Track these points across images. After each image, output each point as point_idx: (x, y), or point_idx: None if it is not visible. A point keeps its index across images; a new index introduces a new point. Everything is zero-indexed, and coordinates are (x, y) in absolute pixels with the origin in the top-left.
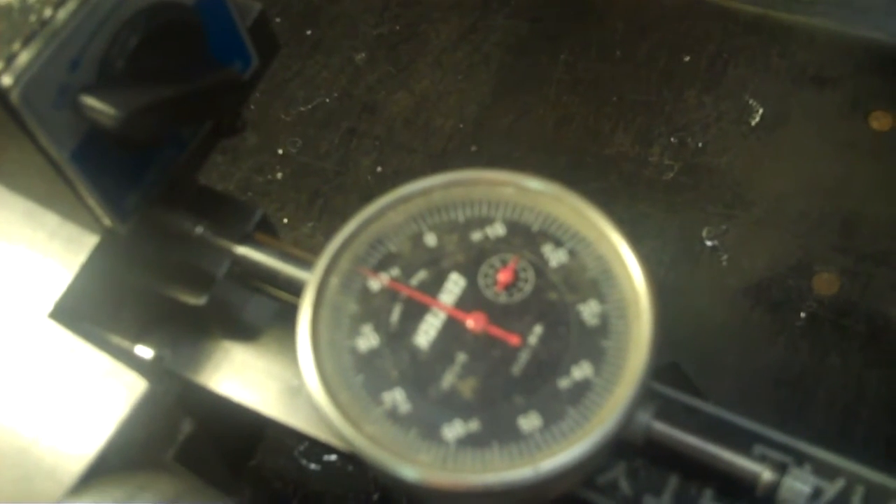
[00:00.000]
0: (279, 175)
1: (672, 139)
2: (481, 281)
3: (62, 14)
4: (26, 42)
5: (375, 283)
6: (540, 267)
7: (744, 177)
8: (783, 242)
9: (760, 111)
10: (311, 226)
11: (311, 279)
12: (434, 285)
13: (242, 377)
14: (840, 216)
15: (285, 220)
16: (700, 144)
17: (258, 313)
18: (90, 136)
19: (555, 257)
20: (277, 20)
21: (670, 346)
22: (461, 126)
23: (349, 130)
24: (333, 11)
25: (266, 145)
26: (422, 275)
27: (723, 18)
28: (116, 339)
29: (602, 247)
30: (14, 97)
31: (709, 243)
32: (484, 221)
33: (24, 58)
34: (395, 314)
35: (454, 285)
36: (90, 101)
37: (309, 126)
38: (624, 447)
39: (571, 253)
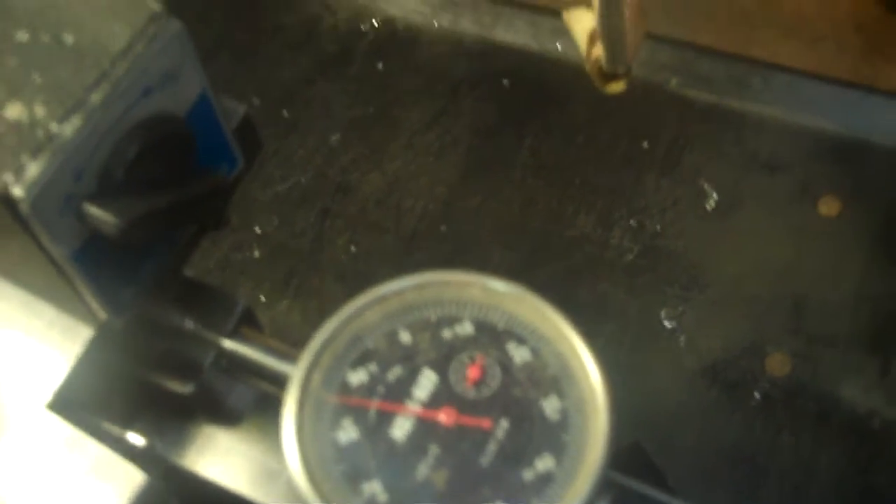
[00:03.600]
0: (256, 253)
1: (631, 222)
2: (452, 376)
3: (68, 129)
4: (35, 155)
5: (354, 379)
6: (505, 364)
7: (700, 259)
8: (737, 324)
9: (715, 196)
10: (287, 304)
11: (294, 374)
12: (408, 380)
13: (225, 461)
14: (791, 298)
15: (262, 298)
16: (658, 227)
17: (240, 400)
18: (90, 239)
19: (518, 354)
20: (255, 101)
21: (631, 425)
22: (431, 207)
23: (323, 210)
24: (309, 94)
25: (244, 224)
26: (397, 370)
27: (679, 106)
28: (107, 426)
29: (561, 345)
30: (24, 207)
31: (667, 324)
32: (453, 320)
33: (33, 170)
34: (373, 410)
35: (427, 381)
36: (93, 210)
37: (285, 205)
38: None
39: (534, 351)
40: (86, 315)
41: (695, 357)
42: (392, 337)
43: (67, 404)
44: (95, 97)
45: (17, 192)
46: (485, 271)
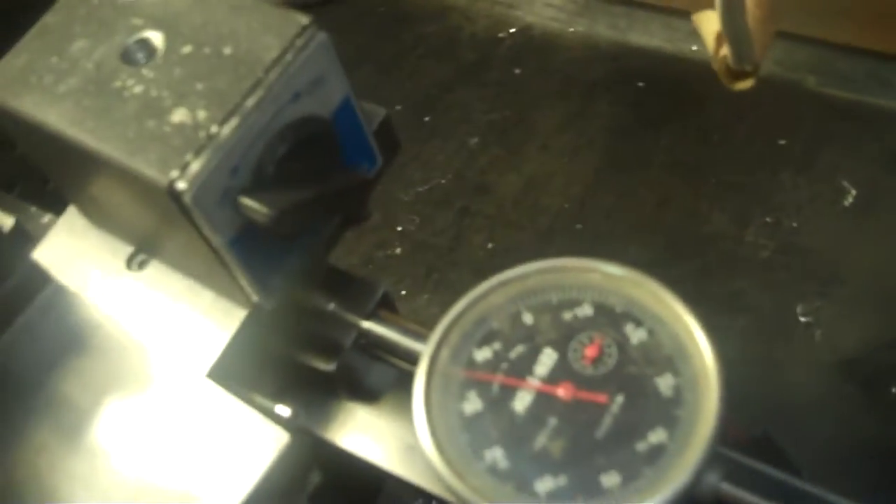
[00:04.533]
0: (398, 250)
1: (767, 219)
2: (571, 355)
3: (226, 130)
4: (197, 153)
5: (479, 356)
6: (622, 344)
7: (837, 256)
8: (875, 319)
9: (853, 192)
10: (427, 298)
11: (425, 351)
12: (530, 358)
13: (365, 435)
14: None
15: (403, 293)
16: (795, 224)
17: (379, 379)
18: (245, 229)
19: (635, 335)
20: (398, 108)
21: (764, 416)
22: (566, 206)
23: (462, 209)
24: (449, 100)
25: (387, 223)
26: (519, 349)
27: (816, 104)
28: (259, 399)
29: (677, 327)
30: (187, 199)
31: (803, 319)
32: (574, 303)
33: (195, 167)
34: (496, 384)
35: (547, 358)
36: (247, 202)
37: (426, 205)
38: None
39: (650, 332)
40: (240, 298)
41: (831, 352)
42: (515, 318)
43: (223, 375)
44: (250, 102)
45: (182, 185)
46: None
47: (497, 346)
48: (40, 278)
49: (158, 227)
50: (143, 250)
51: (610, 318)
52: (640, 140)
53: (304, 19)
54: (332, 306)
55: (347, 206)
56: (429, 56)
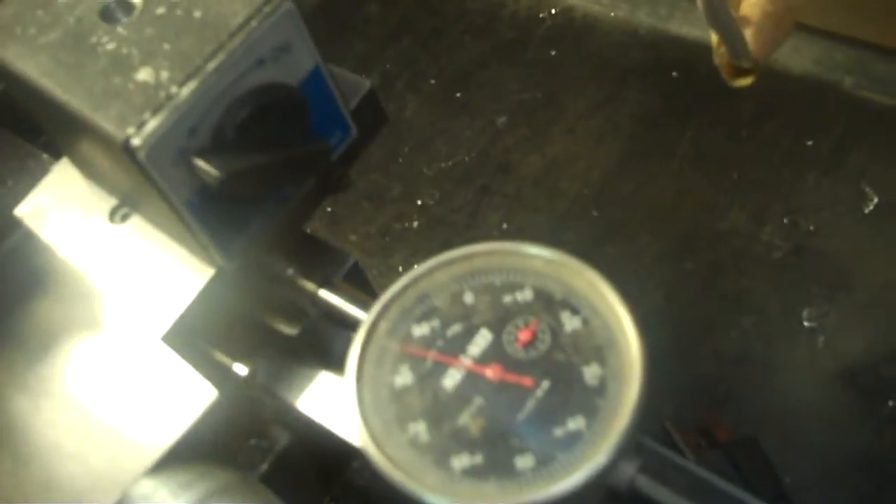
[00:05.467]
0: (416, 224)
1: (785, 220)
2: (505, 337)
3: (185, 91)
4: (154, 112)
5: (417, 331)
6: (556, 330)
7: (851, 262)
8: (881, 330)
9: (875, 199)
10: None
11: (364, 321)
12: (465, 337)
13: (327, 400)
14: None
15: (416, 266)
16: (812, 227)
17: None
18: (203, 190)
19: (570, 323)
20: (432, 82)
21: (756, 420)
22: (585, 191)
23: (483, 188)
24: (483, 77)
25: (407, 195)
26: (456, 328)
27: (850, 106)
28: (221, 357)
29: (610, 318)
30: (141, 155)
31: (807, 324)
32: (515, 286)
33: (151, 125)
34: (429, 360)
35: (482, 339)
36: (198, 163)
37: (447, 181)
38: (612, 496)
39: (584, 321)
40: (208, 258)
41: (832, 359)
42: (457, 297)
43: (181, 337)
44: (211, 65)
45: (136, 142)
46: (631, 256)
47: (435, 323)
48: (8, 224)
49: (127, 183)
50: (125, 204)
51: (548, 304)
52: (667, 130)
53: None
54: (290, 271)
55: (310, 172)
56: (468, 31)
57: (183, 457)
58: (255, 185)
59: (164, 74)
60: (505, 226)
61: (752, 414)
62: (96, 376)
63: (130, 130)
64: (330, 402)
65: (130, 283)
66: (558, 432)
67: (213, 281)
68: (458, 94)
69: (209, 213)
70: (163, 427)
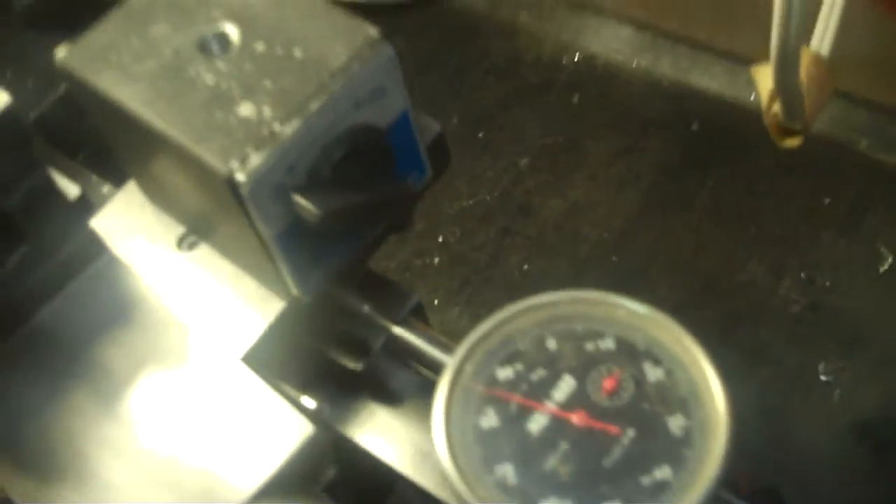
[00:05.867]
0: (436, 260)
1: (802, 275)
2: (589, 385)
3: (287, 129)
4: (258, 148)
5: (502, 374)
6: (639, 380)
7: (867, 320)
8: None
9: (890, 260)
10: (458, 310)
11: (450, 363)
12: (549, 382)
13: (383, 436)
14: None
15: (436, 302)
16: (828, 283)
17: (403, 384)
18: (293, 225)
19: (653, 374)
20: (454, 121)
21: (773, 470)
22: (605, 236)
23: (504, 228)
24: (505, 118)
25: (429, 232)
26: (540, 372)
27: (867, 168)
28: (287, 388)
29: (694, 371)
30: (244, 191)
31: (823, 378)
32: (597, 335)
33: (254, 161)
34: (514, 403)
35: (566, 385)
36: (300, 200)
37: (469, 220)
38: None
39: (667, 372)
40: (280, 290)
41: (848, 414)
42: (540, 342)
43: (257, 361)
44: (313, 105)
45: (241, 177)
46: (649, 304)
47: (519, 366)
48: (96, 247)
49: (212, 213)
50: (194, 233)
51: (630, 353)
52: (687, 182)
53: (373, 31)
54: (366, 308)
55: (393, 214)
56: (492, 73)
57: (276, 493)
58: (347, 223)
59: (267, 111)
60: (526, 267)
61: (770, 466)
62: (185, 407)
63: (234, 165)
64: (389, 438)
65: (206, 312)
66: (645, 481)
67: (285, 312)
68: (481, 135)
69: (294, 248)
70: (256, 461)
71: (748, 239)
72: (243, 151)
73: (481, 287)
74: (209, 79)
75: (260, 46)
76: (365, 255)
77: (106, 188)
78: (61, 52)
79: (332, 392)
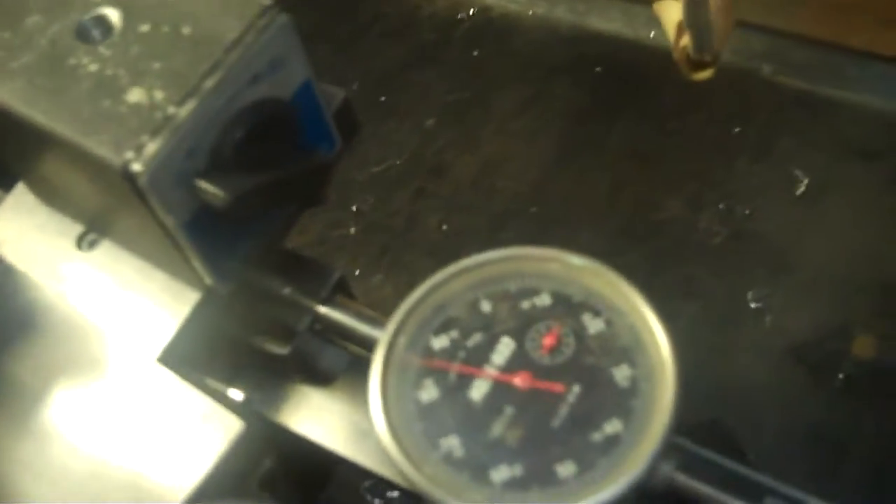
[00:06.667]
0: (352, 230)
1: (721, 206)
2: (528, 344)
3: (183, 112)
4: (153, 135)
5: (437, 344)
6: (580, 333)
7: (789, 244)
8: (825, 307)
9: (805, 182)
10: (380, 278)
11: (382, 338)
12: (487, 347)
13: (318, 419)
14: (879, 283)
15: (357, 272)
16: (747, 211)
17: (333, 362)
18: (199, 212)
19: (593, 325)
20: (354, 87)
21: (713, 402)
22: (522, 189)
23: (418, 190)
24: (406, 80)
25: (341, 202)
26: (477, 337)
27: (771, 93)
28: (212, 382)
29: (634, 318)
30: (142, 182)
31: (753, 305)
32: (532, 292)
33: (150, 148)
34: (453, 372)
35: (505, 347)
36: (204, 186)
37: (381, 185)
38: (648, 493)
39: (607, 322)
40: (193, 281)
41: (780, 338)
42: (474, 306)
43: (175, 359)
44: (209, 83)
45: (137, 167)
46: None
47: (454, 334)
48: None
49: (111, 207)
50: (94, 230)
51: (568, 307)
52: (597, 126)
53: (265, 0)
54: (287, 290)
55: (306, 189)
56: (387, 35)
57: (209, 495)
58: (258, 204)
59: (159, 95)
60: (444, 227)
61: (708, 397)
62: (104, 416)
63: (129, 155)
64: (325, 420)
65: (116, 313)
66: (596, 437)
67: (201, 304)
68: (384, 98)
69: (204, 236)
70: (185, 466)
71: (663, 177)
72: (137, 140)
73: (401, 252)
74: (92, 67)
75: (144, 27)
76: (280, 236)
77: None
78: None
79: (260, 380)
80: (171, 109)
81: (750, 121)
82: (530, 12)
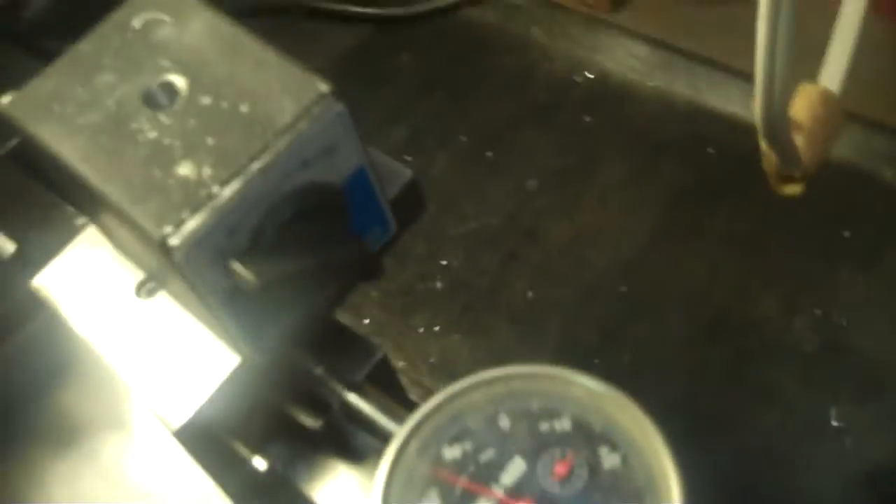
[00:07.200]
0: (438, 285)
1: (817, 311)
2: (540, 469)
3: (227, 191)
4: (194, 211)
5: (448, 453)
6: (594, 466)
7: (884, 364)
8: None
9: None
10: (459, 338)
11: (395, 438)
12: (498, 464)
13: (345, 495)
14: None
15: (436, 328)
16: (845, 323)
17: (366, 442)
18: (237, 288)
19: (609, 460)
20: (462, 139)
21: None
22: (614, 264)
23: (509, 253)
24: (514, 137)
25: (431, 255)
26: (490, 453)
27: (891, 200)
28: (239, 448)
29: (652, 459)
30: (178, 257)
31: (835, 423)
32: (553, 414)
33: (190, 225)
34: (459, 487)
35: (516, 468)
36: (236, 267)
37: (472, 243)
38: None
39: (624, 459)
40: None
41: (857, 462)
42: (492, 420)
43: (198, 431)
44: (256, 165)
45: (174, 242)
46: (658, 338)
47: (468, 446)
48: (33, 305)
49: (160, 268)
50: (153, 279)
51: (587, 436)
52: (700, 208)
53: (324, 86)
54: (319, 371)
55: (350, 272)
56: (501, 89)
57: None
58: (291, 289)
59: (207, 171)
60: (530, 294)
61: None
62: (117, 478)
63: (168, 229)
64: (347, 496)
65: (154, 370)
66: None
67: (236, 372)
68: (489, 154)
69: (241, 309)
70: None
71: (763, 271)
72: (179, 214)
73: (484, 314)
74: (151, 134)
75: (206, 99)
76: (325, 311)
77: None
78: (5, 100)
79: (291, 448)
80: (216, 188)
81: (861, 226)
82: (649, 83)
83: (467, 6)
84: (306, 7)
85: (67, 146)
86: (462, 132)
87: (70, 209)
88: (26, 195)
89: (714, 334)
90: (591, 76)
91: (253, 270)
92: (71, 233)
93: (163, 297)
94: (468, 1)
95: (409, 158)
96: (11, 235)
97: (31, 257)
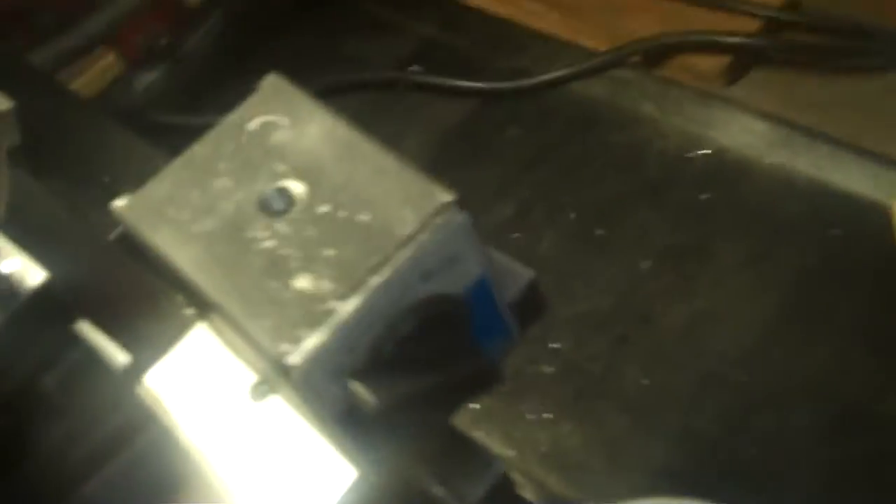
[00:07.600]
0: (547, 369)
1: None
2: None
3: (347, 307)
4: (312, 328)
5: None
6: None
7: None
8: None
9: None
10: (571, 427)
11: None
12: None
13: None
14: None
15: (547, 416)
16: None
17: None
18: (354, 406)
19: None
20: (572, 216)
21: None
22: (732, 351)
23: (621, 337)
24: (626, 216)
25: (540, 338)
26: None
27: None
28: None
29: None
30: (295, 376)
31: None
32: None
33: (308, 343)
34: None
35: None
36: (356, 388)
37: (583, 325)
38: None
39: None
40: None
41: None
42: None
43: None
44: (376, 280)
45: (292, 360)
46: (780, 434)
47: None
48: (143, 417)
49: (275, 377)
50: (267, 383)
51: None
52: (825, 295)
53: (445, 196)
54: (440, 493)
55: (469, 389)
56: (612, 165)
57: None
58: (412, 409)
59: (325, 285)
60: (645, 381)
61: None
62: None
63: (285, 347)
64: None
65: (269, 484)
66: None
67: (353, 487)
68: (599, 232)
69: (357, 426)
70: None
71: (893, 369)
72: (296, 331)
73: (596, 401)
74: (268, 244)
75: (324, 207)
76: (444, 423)
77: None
78: (120, 204)
79: None
80: (334, 304)
81: None
82: (767, 160)
83: (575, 80)
84: (412, 81)
85: (183, 255)
86: (571, 209)
87: (179, 298)
88: (133, 285)
89: (843, 431)
90: (707, 152)
91: (374, 391)
92: (180, 326)
93: (277, 399)
94: (576, 75)
95: (516, 235)
96: (125, 343)
97: (142, 356)
